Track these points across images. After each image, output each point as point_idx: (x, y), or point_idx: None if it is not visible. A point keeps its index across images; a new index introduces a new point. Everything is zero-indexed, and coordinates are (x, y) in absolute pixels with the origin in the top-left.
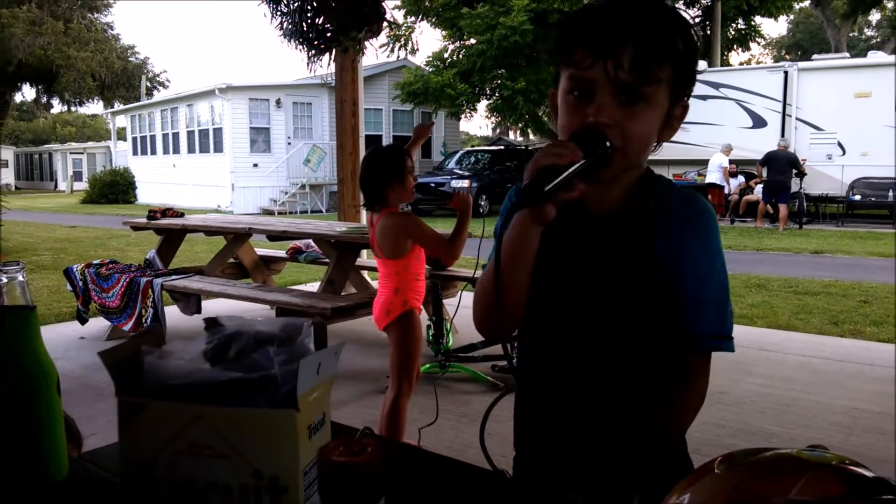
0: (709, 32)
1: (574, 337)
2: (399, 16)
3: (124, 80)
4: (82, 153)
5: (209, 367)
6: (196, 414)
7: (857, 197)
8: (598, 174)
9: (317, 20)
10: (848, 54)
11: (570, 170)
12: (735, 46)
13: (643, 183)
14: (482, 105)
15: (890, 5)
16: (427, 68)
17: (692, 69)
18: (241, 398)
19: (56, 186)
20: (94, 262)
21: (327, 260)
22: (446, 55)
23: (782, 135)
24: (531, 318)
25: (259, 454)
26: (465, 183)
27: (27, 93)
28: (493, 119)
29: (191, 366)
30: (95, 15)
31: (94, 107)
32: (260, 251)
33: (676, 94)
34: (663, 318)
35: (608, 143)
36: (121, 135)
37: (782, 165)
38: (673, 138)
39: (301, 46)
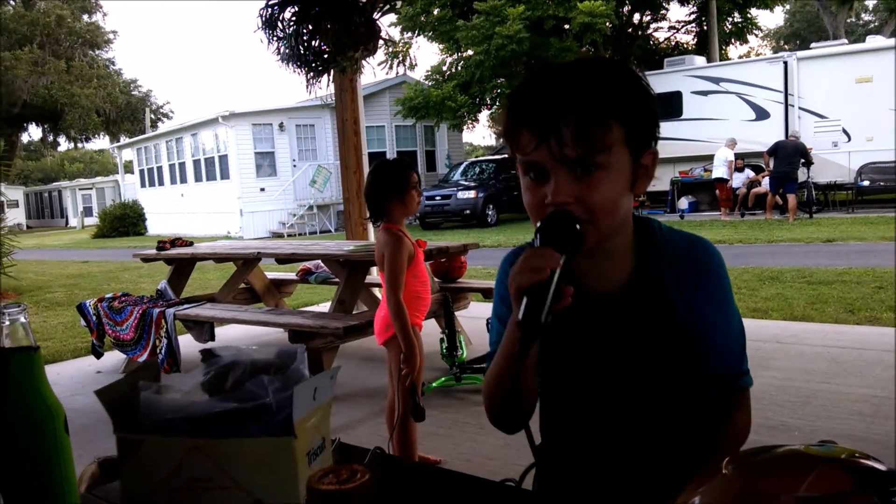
0: (705, 28)
1: (602, 408)
2: (395, 32)
3: (128, 113)
4: (91, 188)
5: (206, 399)
6: (192, 446)
7: (866, 182)
8: (579, 252)
9: (313, 42)
10: (846, 40)
11: (555, 280)
12: (733, 40)
13: (640, 243)
14: (484, 115)
15: None
16: (426, 82)
17: (649, 119)
18: (237, 428)
19: (67, 223)
20: (107, 295)
21: (337, 279)
22: (445, 68)
23: (786, 125)
24: (553, 398)
25: (259, 484)
26: (472, 193)
27: (34, 132)
28: (495, 129)
29: (187, 399)
30: (97, 52)
31: (101, 142)
32: (270, 275)
33: (638, 149)
34: (690, 374)
35: (577, 225)
36: (128, 168)
37: (789, 155)
38: (676, 135)
39: (299, 69)
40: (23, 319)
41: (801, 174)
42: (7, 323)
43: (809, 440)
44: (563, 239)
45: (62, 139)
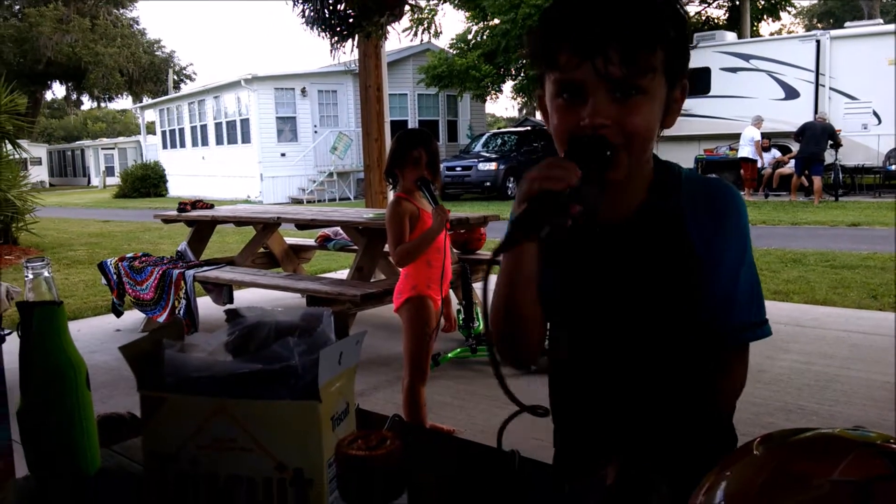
0: (738, 3)
1: (612, 336)
2: None
3: (152, 74)
4: (113, 148)
5: (230, 360)
6: (217, 407)
7: (894, 167)
8: (604, 179)
9: (338, 6)
10: (882, 20)
11: (565, 194)
12: (765, 17)
13: (658, 176)
14: (508, 86)
15: None
16: (451, 51)
17: (685, 47)
18: (262, 390)
19: (89, 182)
20: (128, 255)
21: (356, 247)
22: (470, 37)
23: (815, 105)
24: (564, 322)
25: (282, 447)
26: (493, 165)
27: (57, 90)
28: (518, 100)
29: (212, 358)
30: (121, 10)
31: (124, 102)
32: (289, 240)
33: (673, 77)
34: (702, 309)
35: (608, 152)
36: (150, 129)
37: (816, 136)
38: (703, 112)
39: (324, 33)
40: (46, 274)
41: (829, 156)
42: (31, 277)
43: (827, 425)
44: (590, 159)
45: (85, 98)
